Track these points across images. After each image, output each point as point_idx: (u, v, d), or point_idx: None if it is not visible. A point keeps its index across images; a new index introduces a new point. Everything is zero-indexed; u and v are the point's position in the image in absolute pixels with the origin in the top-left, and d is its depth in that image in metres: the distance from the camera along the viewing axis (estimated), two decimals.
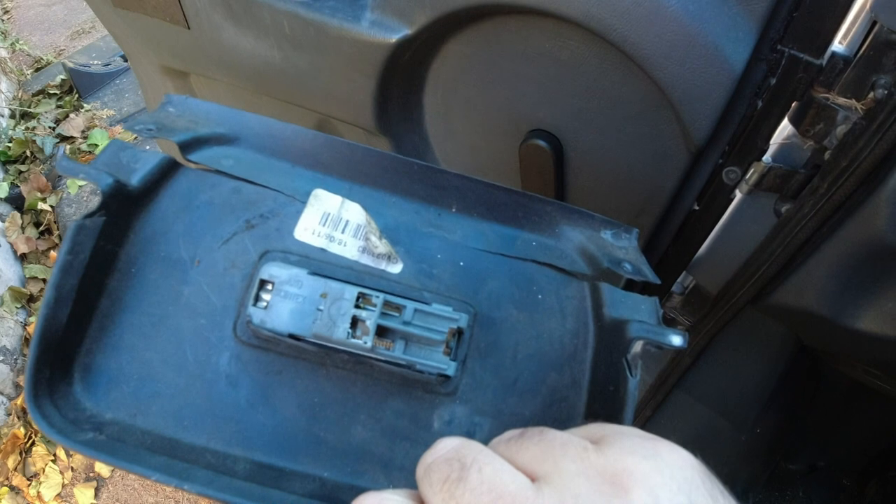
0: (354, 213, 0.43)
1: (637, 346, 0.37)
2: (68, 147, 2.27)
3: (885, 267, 0.62)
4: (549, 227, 0.47)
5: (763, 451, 1.03)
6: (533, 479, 0.24)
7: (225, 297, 0.41)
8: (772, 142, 0.63)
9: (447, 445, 0.27)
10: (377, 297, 0.39)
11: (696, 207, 0.70)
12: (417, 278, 0.43)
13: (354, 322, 0.38)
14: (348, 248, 0.43)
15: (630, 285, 0.44)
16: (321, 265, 0.42)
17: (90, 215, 0.38)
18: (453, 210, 0.47)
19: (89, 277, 0.38)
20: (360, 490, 0.39)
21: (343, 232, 0.43)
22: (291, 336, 0.39)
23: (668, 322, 0.91)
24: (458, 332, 0.40)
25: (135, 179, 0.41)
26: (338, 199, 0.43)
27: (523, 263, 0.45)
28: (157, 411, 0.39)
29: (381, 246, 0.42)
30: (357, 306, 0.39)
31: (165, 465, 0.36)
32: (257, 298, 0.40)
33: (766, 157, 0.64)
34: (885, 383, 0.85)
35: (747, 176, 0.64)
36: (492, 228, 0.46)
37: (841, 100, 0.56)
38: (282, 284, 0.39)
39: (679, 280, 0.87)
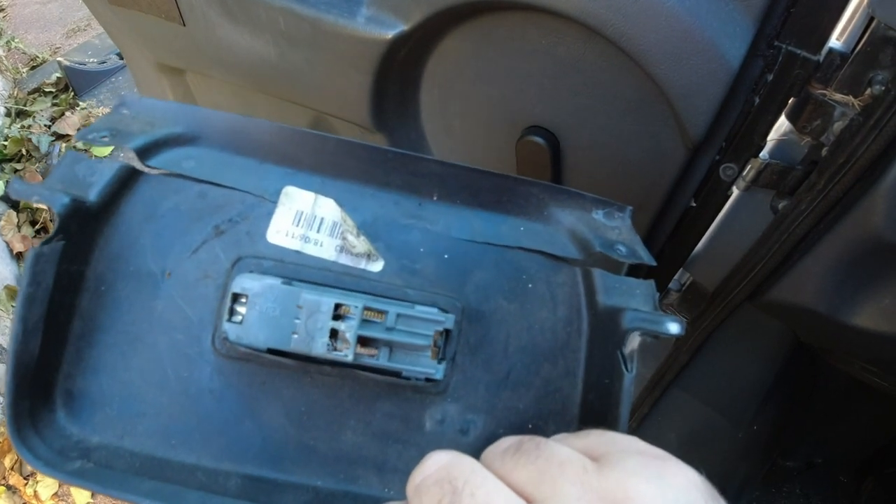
0: (329, 209, 0.41)
1: (634, 340, 0.36)
2: (64, 145, 2.26)
3: (882, 263, 0.62)
4: (536, 211, 0.44)
5: (760, 448, 1.03)
6: (529, 501, 0.23)
7: (200, 310, 0.40)
8: (769, 138, 0.63)
9: (436, 463, 0.25)
10: (356, 306, 0.37)
11: (693, 204, 0.70)
12: (400, 275, 0.41)
13: (334, 333, 0.37)
14: (325, 249, 0.41)
15: (633, 269, 0.42)
16: (297, 269, 0.41)
17: (48, 241, 0.35)
18: (434, 198, 0.44)
19: (57, 302, 0.37)
20: (354, 496, 0.39)
21: (318, 231, 0.41)
22: (270, 351, 0.38)
23: None
24: (446, 333, 0.39)
25: (93, 194, 0.38)
26: (310, 195, 0.41)
27: (511, 251, 0.43)
28: (144, 431, 0.38)
29: (359, 244, 0.41)
30: (336, 317, 0.37)
31: (156, 489, 0.36)
32: (232, 312, 0.38)
33: (763, 154, 0.64)
34: (882, 380, 0.85)
35: (744, 172, 0.64)
36: (476, 216, 0.44)
37: (838, 96, 0.56)
38: (256, 297, 0.37)
39: (676, 277, 0.87)
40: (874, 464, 1.24)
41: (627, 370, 0.35)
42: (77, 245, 0.38)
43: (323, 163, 0.44)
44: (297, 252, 0.41)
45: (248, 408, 0.39)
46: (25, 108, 2.40)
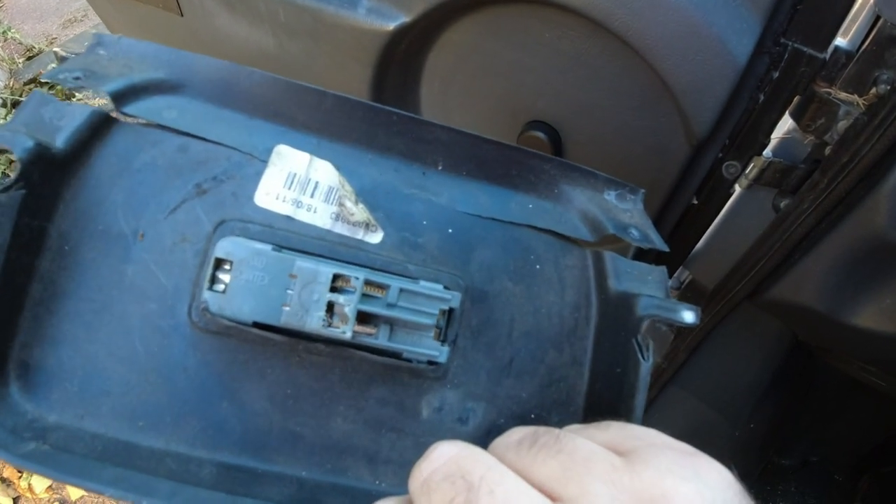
0: (325, 172, 0.37)
1: (645, 325, 0.34)
2: None
3: (883, 263, 0.62)
4: (547, 188, 0.42)
5: (756, 446, 1.04)
6: (553, 498, 0.21)
7: (176, 277, 0.36)
8: (772, 136, 0.62)
9: (445, 454, 0.23)
10: (356, 278, 0.34)
11: (695, 202, 0.70)
12: (400, 249, 0.38)
13: (330, 307, 0.34)
14: (319, 216, 0.37)
15: (640, 254, 0.41)
16: (288, 236, 0.37)
17: (6, 189, 0.31)
18: (439, 168, 0.41)
19: (14, 261, 0.32)
20: (343, 489, 0.36)
21: (312, 196, 0.37)
22: (256, 325, 0.34)
23: None
24: (449, 313, 0.37)
25: (60, 140, 0.34)
26: (305, 156, 0.37)
27: (519, 229, 0.41)
28: (108, 412, 0.34)
29: (358, 212, 0.37)
30: (333, 289, 0.34)
31: (120, 477, 0.32)
32: (214, 280, 0.34)
33: (767, 152, 0.63)
34: (880, 380, 0.85)
35: (747, 170, 0.64)
36: (483, 189, 0.41)
37: (842, 95, 0.56)
38: (241, 263, 0.34)
39: (675, 275, 0.87)
40: (870, 462, 1.24)
41: (644, 359, 0.34)
42: (39, 197, 0.33)
43: (319, 122, 0.40)
44: (288, 218, 0.37)
45: (227, 388, 0.36)
46: (21, 99, 2.39)
